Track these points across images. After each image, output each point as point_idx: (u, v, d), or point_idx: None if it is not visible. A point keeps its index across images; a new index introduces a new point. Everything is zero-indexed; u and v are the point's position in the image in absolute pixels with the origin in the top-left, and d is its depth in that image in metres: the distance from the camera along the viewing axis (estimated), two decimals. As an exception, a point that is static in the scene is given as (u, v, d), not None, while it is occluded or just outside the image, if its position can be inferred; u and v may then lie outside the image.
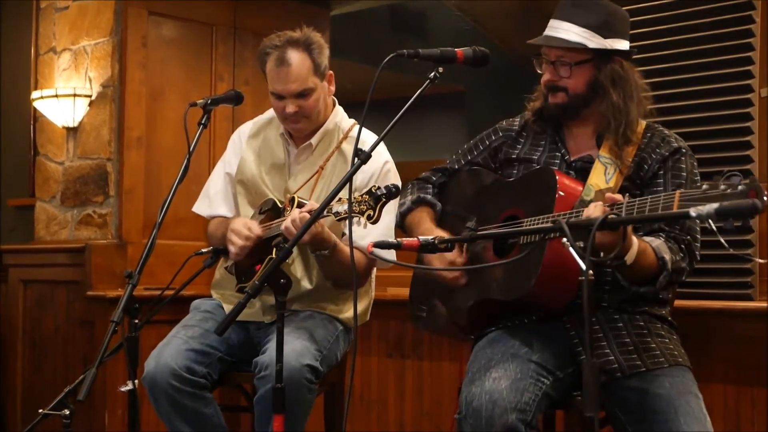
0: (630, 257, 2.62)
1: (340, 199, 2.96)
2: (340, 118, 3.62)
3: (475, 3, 8.08)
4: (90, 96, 5.59)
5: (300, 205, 3.23)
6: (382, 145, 3.33)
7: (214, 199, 3.70)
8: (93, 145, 5.58)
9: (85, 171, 5.61)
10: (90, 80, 5.61)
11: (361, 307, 3.61)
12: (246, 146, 3.67)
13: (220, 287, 3.67)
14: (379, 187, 2.73)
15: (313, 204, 3.16)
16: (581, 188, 2.88)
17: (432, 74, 2.77)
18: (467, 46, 2.89)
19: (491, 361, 2.83)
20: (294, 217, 3.14)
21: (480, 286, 2.99)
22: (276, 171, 3.61)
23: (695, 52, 3.89)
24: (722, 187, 2.08)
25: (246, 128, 3.73)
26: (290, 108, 3.44)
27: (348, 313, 3.57)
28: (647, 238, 2.74)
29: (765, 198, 2.03)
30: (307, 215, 3.10)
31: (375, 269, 3.63)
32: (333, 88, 3.57)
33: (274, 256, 3.28)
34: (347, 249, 3.23)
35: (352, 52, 8.92)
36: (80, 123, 5.64)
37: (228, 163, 3.70)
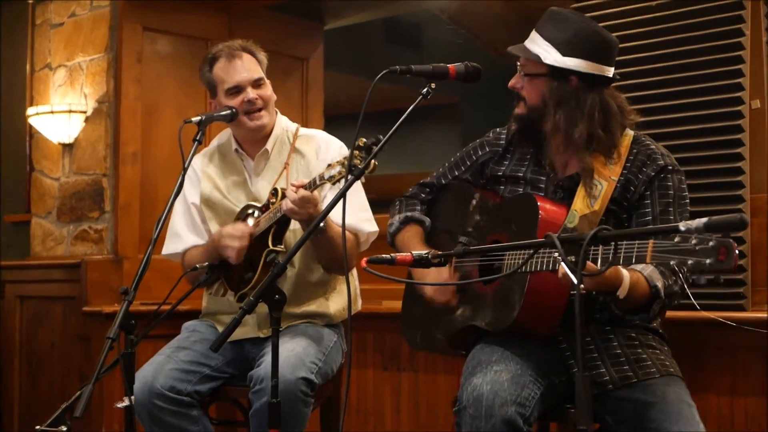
0: (622, 292, 2.64)
1: (330, 165, 3.05)
2: (285, 123, 3.73)
3: (469, 14, 8.10)
4: (85, 112, 5.61)
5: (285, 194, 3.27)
6: (325, 134, 3.70)
7: (182, 234, 3.71)
8: (88, 160, 5.60)
9: (81, 187, 5.63)
10: (85, 96, 5.63)
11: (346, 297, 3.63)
12: (203, 176, 3.71)
13: (211, 313, 3.70)
14: (364, 140, 2.76)
15: (303, 180, 3.20)
16: (564, 214, 2.88)
17: (425, 90, 2.78)
18: (462, 57, 2.92)
19: (492, 357, 2.86)
20: (293, 197, 3.17)
21: (467, 313, 3.02)
22: (238, 187, 3.67)
23: (686, 65, 3.90)
24: (694, 242, 2.10)
25: (197, 160, 3.76)
26: (252, 94, 3.56)
27: (337, 305, 3.61)
28: (639, 265, 2.71)
29: (736, 252, 2.06)
30: (306, 193, 3.15)
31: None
32: (275, 96, 3.67)
33: (270, 246, 3.35)
34: (334, 226, 3.32)
35: (346, 65, 8.94)
36: (76, 139, 5.66)
37: (188, 195, 3.70)
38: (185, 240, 3.69)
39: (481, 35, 8.46)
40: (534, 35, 2.99)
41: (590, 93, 2.94)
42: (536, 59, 2.94)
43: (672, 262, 2.16)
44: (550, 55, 2.92)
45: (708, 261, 2.07)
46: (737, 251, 2.07)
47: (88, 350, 5.22)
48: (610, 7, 4.12)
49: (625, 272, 2.64)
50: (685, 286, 2.50)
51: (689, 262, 2.11)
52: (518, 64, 3.05)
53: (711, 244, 2.07)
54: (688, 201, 2.96)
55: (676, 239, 2.15)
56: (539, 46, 2.94)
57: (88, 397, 2.70)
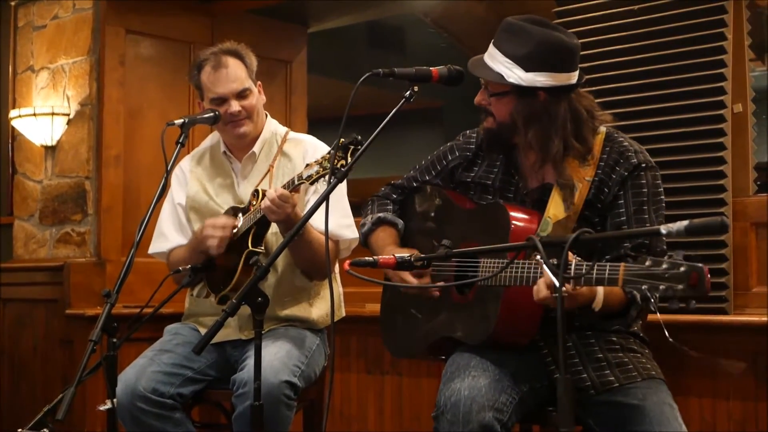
0: (597, 304, 2.64)
1: (308, 165, 3.04)
2: (274, 126, 3.73)
3: (452, 18, 8.11)
4: (68, 114, 5.59)
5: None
6: (314, 139, 3.68)
7: (168, 234, 3.71)
8: (71, 163, 5.58)
9: (64, 189, 5.61)
10: (68, 99, 5.62)
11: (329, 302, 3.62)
12: (190, 177, 3.72)
13: (193, 315, 3.69)
14: (342, 139, 2.75)
15: (283, 184, 3.20)
16: (535, 222, 2.85)
17: (408, 93, 2.78)
18: (445, 61, 2.91)
19: (470, 362, 2.85)
20: (271, 196, 3.16)
21: (444, 324, 3.01)
22: (225, 189, 3.67)
23: (668, 69, 3.92)
24: (665, 266, 2.10)
25: (186, 161, 3.79)
26: (235, 107, 3.54)
27: (320, 310, 3.60)
28: None
29: (708, 278, 2.06)
30: (285, 191, 3.14)
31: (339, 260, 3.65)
32: (264, 98, 3.67)
33: (250, 247, 3.33)
34: (314, 231, 3.33)
35: (329, 69, 8.94)
36: (58, 141, 5.64)
37: (176, 196, 3.72)
38: (170, 240, 3.69)
39: (463, 39, 8.46)
40: (493, 51, 2.90)
41: (560, 104, 2.87)
42: (499, 80, 2.87)
43: (644, 287, 2.16)
44: (513, 72, 2.83)
45: (680, 287, 2.08)
46: (708, 275, 2.08)
47: (71, 353, 5.21)
48: (592, 11, 4.14)
49: (599, 287, 2.62)
50: (657, 311, 2.50)
51: (661, 287, 2.12)
52: (481, 80, 2.97)
53: (682, 269, 2.08)
54: (663, 198, 2.91)
55: (647, 263, 2.15)
56: (501, 64, 2.85)
57: (70, 400, 2.70)
